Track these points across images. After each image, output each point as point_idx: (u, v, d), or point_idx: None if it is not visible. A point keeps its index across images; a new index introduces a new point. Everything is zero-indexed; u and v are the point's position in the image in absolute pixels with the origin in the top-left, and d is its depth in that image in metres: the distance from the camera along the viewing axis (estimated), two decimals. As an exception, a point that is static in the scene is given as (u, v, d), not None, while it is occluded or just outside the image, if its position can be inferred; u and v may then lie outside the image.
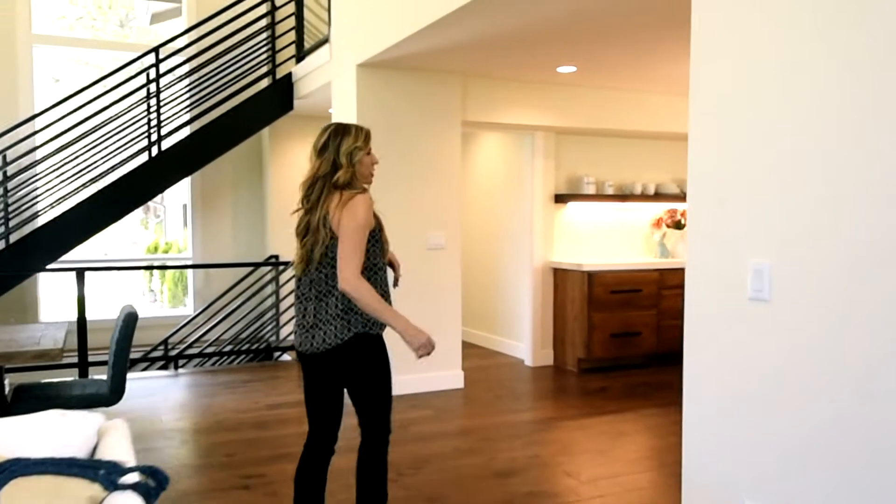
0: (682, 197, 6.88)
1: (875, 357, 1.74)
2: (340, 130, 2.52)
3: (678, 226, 6.85)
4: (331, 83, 5.62)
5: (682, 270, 6.55)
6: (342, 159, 2.47)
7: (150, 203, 10.22)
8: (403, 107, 5.26)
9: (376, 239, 2.52)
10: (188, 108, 6.66)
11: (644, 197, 6.71)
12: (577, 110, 6.06)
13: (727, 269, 2.14)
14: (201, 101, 6.60)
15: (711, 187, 2.21)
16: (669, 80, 5.77)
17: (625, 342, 6.22)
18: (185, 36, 6.92)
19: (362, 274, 2.41)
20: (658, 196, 6.79)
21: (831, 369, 1.85)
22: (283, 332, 7.26)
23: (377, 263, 2.53)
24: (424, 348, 2.44)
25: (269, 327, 7.43)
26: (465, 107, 5.58)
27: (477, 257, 7.35)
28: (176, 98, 6.48)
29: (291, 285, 6.71)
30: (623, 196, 6.63)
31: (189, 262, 7.92)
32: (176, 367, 6.41)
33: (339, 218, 2.42)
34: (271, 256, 7.44)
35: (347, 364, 2.50)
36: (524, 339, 6.59)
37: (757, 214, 2.05)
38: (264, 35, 6.89)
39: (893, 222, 1.70)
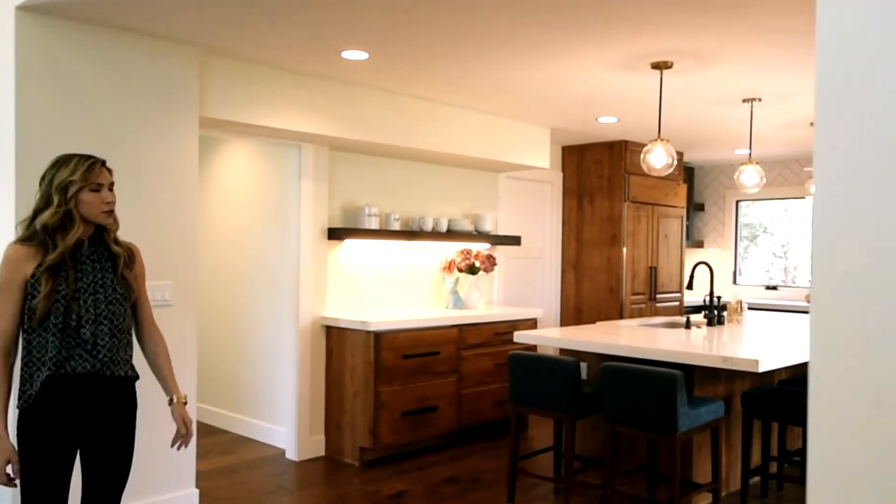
0: (476, 236, 5.72)
1: None
2: (60, 161, 2.25)
3: (472, 270, 5.68)
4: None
5: (482, 325, 5.38)
6: (55, 196, 2.19)
7: None
8: (103, 86, 3.38)
9: (33, 294, 2.16)
10: None
11: (435, 235, 5.43)
12: (360, 118, 4.60)
13: None
14: None
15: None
16: (473, 88, 4.58)
17: (419, 421, 4.81)
18: None
19: (22, 336, 2.21)
20: (451, 234, 5.56)
21: None
22: None
23: (45, 322, 2.17)
24: None
25: None
26: (205, 98, 3.84)
27: (220, 311, 5.49)
28: None
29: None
30: (412, 233, 5.28)
31: None
32: None
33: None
34: None
35: None
36: (286, 422, 4.88)
37: None
38: None
39: None
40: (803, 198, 7.37)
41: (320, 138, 4.56)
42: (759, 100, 4.65)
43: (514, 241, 6.06)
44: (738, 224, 8.07)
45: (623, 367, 3.44)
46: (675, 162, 3.88)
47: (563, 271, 6.93)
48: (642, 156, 3.92)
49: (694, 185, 8.14)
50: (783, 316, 5.82)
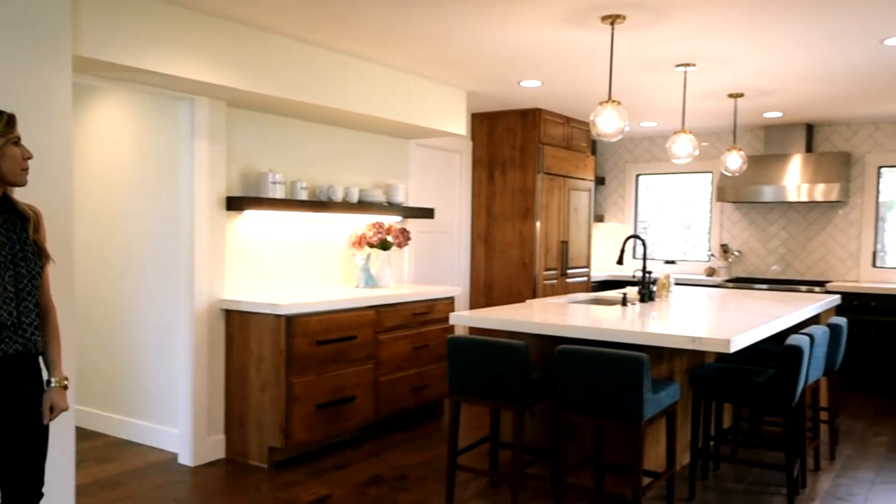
0: (387, 208, 5.22)
1: None
2: None
3: (384, 245, 5.19)
4: None
5: (399, 306, 4.87)
6: None
7: None
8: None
9: None
10: None
11: (346, 206, 4.89)
12: (263, 69, 3.97)
13: None
14: None
15: None
16: (394, 40, 4.08)
17: (335, 414, 4.31)
18: None
19: None
20: (361, 206, 5.04)
21: None
22: None
23: None
24: None
25: None
26: (79, 32, 3.10)
27: (97, 295, 4.69)
28: None
29: None
30: (321, 203, 4.71)
31: None
32: None
33: None
34: None
35: None
36: (178, 422, 4.22)
37: None
38: None
39: None
40: (708, 172, 7.42)
41: (217, 90, 3.89)
42: (694, 65, 4.46)
43: (427, 213, 5.62)
44: (639, 198, 8.05)
45: (582, 350, 3.11)
46: (627, 128, 3.58)
47: (473, 246, 6.58)
48: (591, 119, 3.58)
49: (595, 158, 8.02)
50: (694, 290, 5.78)
